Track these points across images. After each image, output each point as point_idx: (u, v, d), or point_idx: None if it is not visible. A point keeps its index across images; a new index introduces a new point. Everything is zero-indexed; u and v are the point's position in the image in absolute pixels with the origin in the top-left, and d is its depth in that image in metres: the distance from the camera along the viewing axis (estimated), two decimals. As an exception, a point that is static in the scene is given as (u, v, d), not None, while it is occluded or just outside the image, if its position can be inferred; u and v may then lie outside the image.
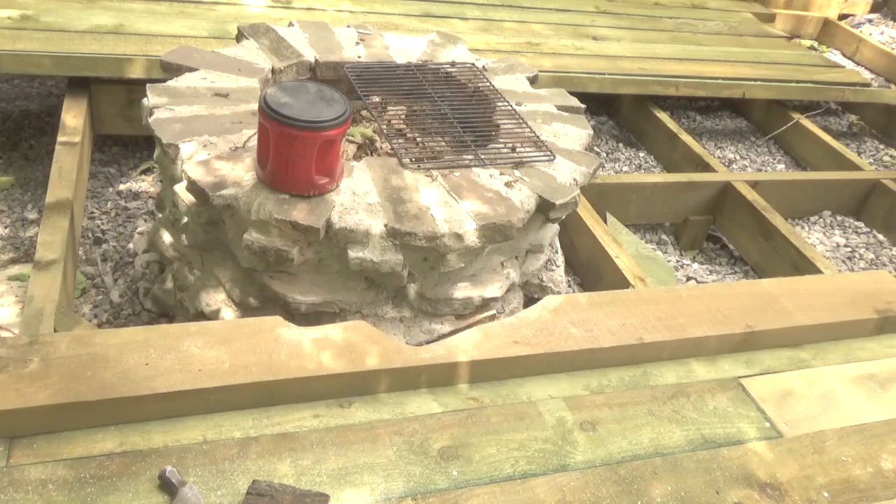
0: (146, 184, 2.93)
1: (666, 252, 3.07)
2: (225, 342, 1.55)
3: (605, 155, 3.67)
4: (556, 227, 2.24)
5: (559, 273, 2.37)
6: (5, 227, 2.58)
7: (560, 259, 2.42)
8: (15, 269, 2.38)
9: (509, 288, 2.06)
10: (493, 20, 3.85)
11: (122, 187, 2.87)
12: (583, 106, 2.44)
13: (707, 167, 3.28)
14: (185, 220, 1.90)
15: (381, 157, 2.04)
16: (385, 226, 1.72)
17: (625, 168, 3.61)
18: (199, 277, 1.98)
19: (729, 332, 1.85)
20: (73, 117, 2.64)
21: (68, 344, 1.48)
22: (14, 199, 2.72)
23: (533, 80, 2.55)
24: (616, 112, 4.03)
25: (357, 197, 1.77)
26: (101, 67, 2.73)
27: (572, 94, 2.52)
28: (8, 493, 1.25)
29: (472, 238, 1.76)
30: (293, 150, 1.65)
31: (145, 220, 2.70)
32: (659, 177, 3.19)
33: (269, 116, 1.64)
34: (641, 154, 3.74)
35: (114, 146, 3.10)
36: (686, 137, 3.50)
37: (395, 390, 1.60)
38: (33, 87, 3.47)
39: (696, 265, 3.01)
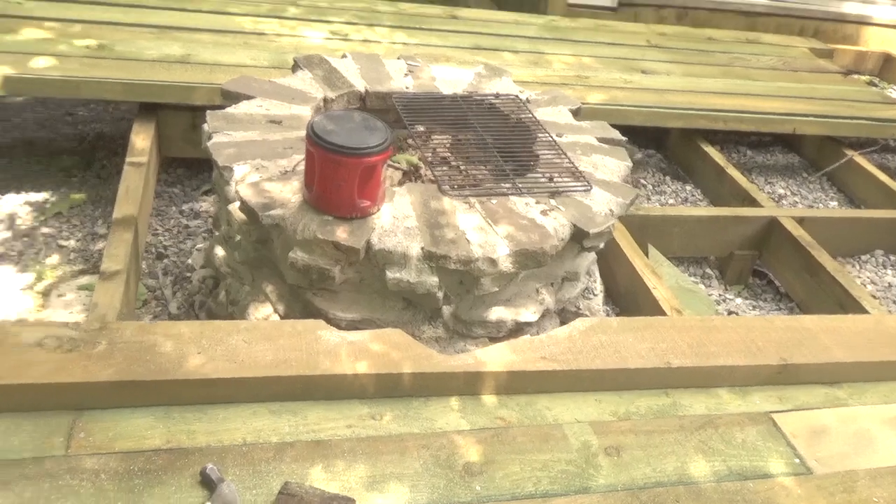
0: (207, 204, 3.09)
1: (710, 286, 3.06)
2: (269, 339, 1.69)
3: (651, 188, 3.69)
4: (592, 256, 2.27)
5: (597, 301, 2.40)
6: (77, 241, 2.77)
7: (599, 288, 2.45)
8: (84, 280, 2.55)
9: (544, 314, 2.11)
10: (544, 53, 3.93)
11: (184, 206, 3.04)
12: (623, 138, 2.48)
13: (754, 202, 3.26)
14: (238, 237, 2.02)
15: (422, 184, 2.13)
16: (422, 248, 1.79)
17: (670, 201, 3.62)
18: (248, 292, 2.09)
19: (761, 363, 1.85)
20: (142, 140, 2.81)
21: (132, 331, 1.66)
22: (86, 214, 2.92)
23: (576, 113, 2.61)
24: (664, 145, 4.04)
25: (396, 220, 1.86)
26: (168, 94, 2.91)
27: (618, 126, 2.56)
28: (65, 479, 1.37)
29: (505, 263, 1.83)
30: (337, 175, 1.75)
31: (204, 238, 2.85)
32: (702, 210, 3.19)
33: (315, 143, 1.75)
34: (688, 188, 3.74)
35: (179, 168, 3.28)
36: (733, 172, 3.49)
37: (424, 395, 1.68)
38: (108, 111, 3.72)
39: (739, 300, 2.99)
